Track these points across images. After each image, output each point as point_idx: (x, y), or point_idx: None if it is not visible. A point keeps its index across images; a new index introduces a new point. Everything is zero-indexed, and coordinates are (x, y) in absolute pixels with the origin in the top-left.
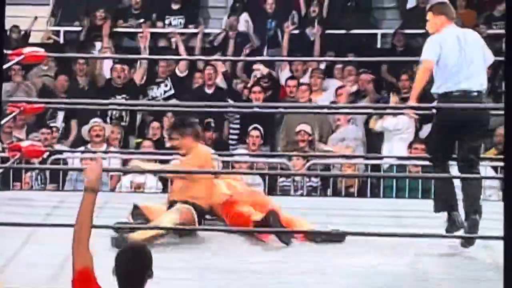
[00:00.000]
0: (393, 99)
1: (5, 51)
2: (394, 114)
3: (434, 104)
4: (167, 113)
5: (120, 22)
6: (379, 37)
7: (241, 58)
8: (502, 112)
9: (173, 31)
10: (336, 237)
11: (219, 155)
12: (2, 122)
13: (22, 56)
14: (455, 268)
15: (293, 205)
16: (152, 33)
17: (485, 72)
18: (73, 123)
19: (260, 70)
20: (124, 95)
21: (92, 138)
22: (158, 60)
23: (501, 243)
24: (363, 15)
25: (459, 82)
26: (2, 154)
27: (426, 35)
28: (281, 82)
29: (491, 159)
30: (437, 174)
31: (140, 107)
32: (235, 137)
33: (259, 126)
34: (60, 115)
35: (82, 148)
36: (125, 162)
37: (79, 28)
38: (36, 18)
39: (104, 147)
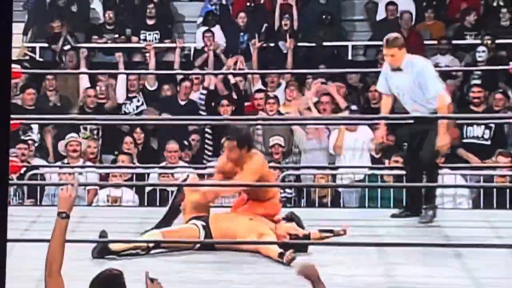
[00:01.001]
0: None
1: None
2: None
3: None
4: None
5: (95, 37)
6: (349, 49)
7: (219, 71)
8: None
9: (159, 45)
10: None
11: (195, 168)
12: None
13: None
14: (429, 277)
15: None
16: (126, 48)
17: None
18: (48, 136)
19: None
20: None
21: (68, 153)
22: (127, 75)
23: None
24: (333, 27)
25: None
26: None
27: None
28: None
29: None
30: (408, 184)
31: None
32: (210, 149)
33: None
34: (35, 127)
35: (59, 163)
36: (101, 177)
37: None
38: None
39: (80, 161)
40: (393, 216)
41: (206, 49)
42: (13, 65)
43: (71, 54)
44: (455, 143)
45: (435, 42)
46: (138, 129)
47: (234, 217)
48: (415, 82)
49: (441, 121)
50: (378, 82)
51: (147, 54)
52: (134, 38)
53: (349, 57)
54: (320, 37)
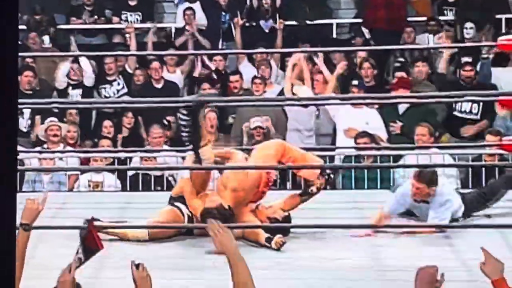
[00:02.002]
0: None
1: None
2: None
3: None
4: (125, 112)
5: (73, 19)
6: (334, 27)
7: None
8: None
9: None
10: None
11: (177, 151)
12: None
13: None
14: (417, 259)
15: None
16: (106, 29)
17: None
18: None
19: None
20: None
21: (48, 138)
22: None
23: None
24: (317, 5)
25: None
26: None
27: None
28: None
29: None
30: (394, 164)
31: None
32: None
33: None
34: (26, 112)
35: (38, 148)
36: (83, 161)
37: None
38: None
39: (61, 146)
40: None
41: (187, 27)
42: None
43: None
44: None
45: (421, 19)
46: (130, 114)
47: None
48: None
49: None
50: (393, 205)
51: (127, 35)
52: (115, 19)
53: (334, 36)
54: (304, 14)
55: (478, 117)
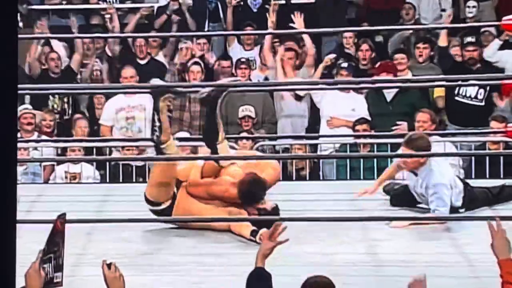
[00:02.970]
0: None
1: None
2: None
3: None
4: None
5: None
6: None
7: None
8: None
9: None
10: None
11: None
12: None
13: None
14: (416, 254)
15: None
16: (84, 10)
17: None
18: None
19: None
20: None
21: (22, 126)
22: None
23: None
24: None
25: None
26: None
27: None
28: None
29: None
30: (392, 153)
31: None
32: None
33: None
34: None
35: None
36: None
37: None
38: None
39: (35, 135)
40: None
41: (171, 3)
42: None
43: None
44: None
45: None
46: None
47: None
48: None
49: None
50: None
51: (107, 16)
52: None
53: None
54: None
55: (483, 103)
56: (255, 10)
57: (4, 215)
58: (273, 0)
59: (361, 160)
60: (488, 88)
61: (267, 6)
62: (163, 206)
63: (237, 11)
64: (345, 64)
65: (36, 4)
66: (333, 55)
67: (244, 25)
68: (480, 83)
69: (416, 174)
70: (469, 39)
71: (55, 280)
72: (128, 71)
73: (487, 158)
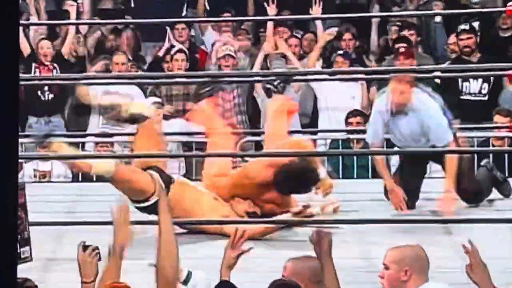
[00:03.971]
0: None
1: None
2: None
3: None
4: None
5: None
6: None
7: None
8: None
9: None
10: None
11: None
12: None
13: None
14: None
15: None
16: None
17: None
18: None
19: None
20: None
21: None
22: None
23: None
24: None
25: None
26: None
27: None
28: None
29: None
30: (390, 150)
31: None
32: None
33: None
34: None
35: None
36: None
37: None
38: None
39: None
40: None
41: None
42: None
43: None
44: None
45: None
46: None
47: (198, 195)
48: (420, 128)
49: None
50: (371, 131)
51: (80, 1)
52: None
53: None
54: None
55: (487, 98)
56: None
57: (4, 215)
58: None
59: (355, 157)
60: (492, 80)
61: None
62: (149, 202)
63: None
64: (341, 51)
65: None
66: (335, 29)
67: (221, 11)
68: (484, 74)
69: (406, 114)
70: (463, 26)
71: (22, 256)
72: (120, 58)
73: (491, 155)
